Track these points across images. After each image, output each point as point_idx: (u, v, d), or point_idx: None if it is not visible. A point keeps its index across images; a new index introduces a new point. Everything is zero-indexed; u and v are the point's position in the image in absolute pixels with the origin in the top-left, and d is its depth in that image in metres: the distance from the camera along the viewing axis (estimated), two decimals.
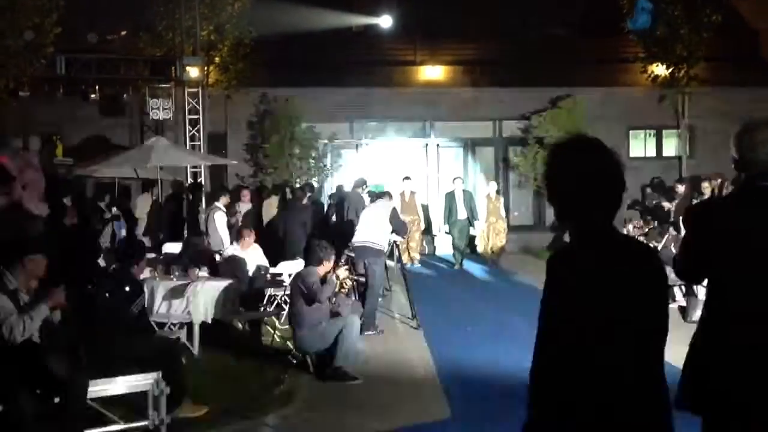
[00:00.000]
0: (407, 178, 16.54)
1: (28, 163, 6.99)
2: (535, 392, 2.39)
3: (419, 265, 15.95)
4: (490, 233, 16.03)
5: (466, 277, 14.90)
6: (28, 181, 6.47)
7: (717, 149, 17.72)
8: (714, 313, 3.21)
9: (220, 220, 11.99)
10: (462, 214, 15.88)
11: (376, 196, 11.62)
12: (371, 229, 10.09)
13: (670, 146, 20.61)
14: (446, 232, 16.25)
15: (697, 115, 18.62)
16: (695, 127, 19.10)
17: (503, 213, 16.46)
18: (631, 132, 20.71)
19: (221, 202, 12.50)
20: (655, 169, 19.09)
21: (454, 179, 16.67)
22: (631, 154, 20.70)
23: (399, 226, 10.59)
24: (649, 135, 20.80)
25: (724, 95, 18.79)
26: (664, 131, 20.43)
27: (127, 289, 6.14)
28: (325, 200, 17.03)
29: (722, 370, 3.07)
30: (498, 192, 16.77)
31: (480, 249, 16.27)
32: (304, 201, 13.15)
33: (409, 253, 15.42)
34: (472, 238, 16.56)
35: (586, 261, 2.39)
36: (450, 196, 16.09)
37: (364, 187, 14.19)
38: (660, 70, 18.37)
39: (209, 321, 8.29)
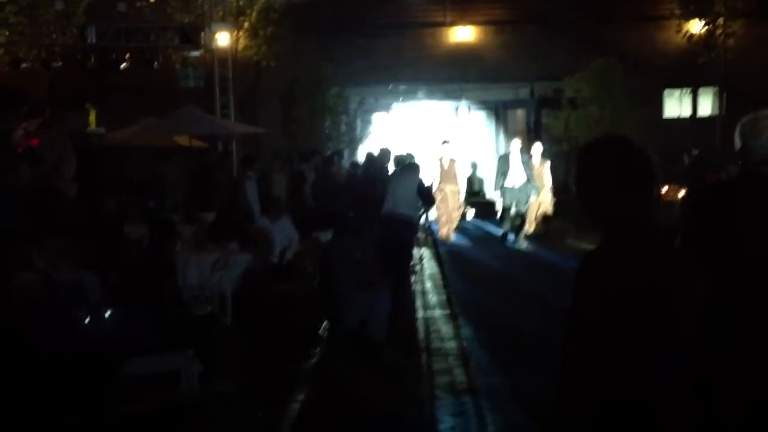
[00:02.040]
0: (446, 142, 14.81)
1: (60, 140, 7.03)
2: (561, 409, 2.35)
3: (461, 241, 14.56)
4: (534, 204, 14.33)
5: (505, 248, 13.66)
6: (60, 159, 6.51)
7: (754, 109, 17.29)
8: (713, 304, 3.16)
9: (250, 189, 12.02)
10: (520, 178, 13.76)
11: (403, 166, 11.51)
12: (399, 200, 10.06)
13: (706, 106, 20.22)
14: (497, 198, 14.39)
15: (734, 74, 18.16)
16: (732, 86, 18.67)
17: (549, 179, 14.60)
18: (666, 91, 20.36)
19: (252, 171, 12.53)
20: (690, 130, 18.75)
21: (512, 141, 14.79)
22: (666, 115, 20.41)
23: (427, 198, 10.51)
24: (685, 94, 20.41)
25: (762, 52, 18.32)
26: (699, 91, 20.02)
27: (159, 267, 6.21)
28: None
29: (721, 367, 3.06)
30: (545, 155, 14.92)
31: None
32: (336, 169, 13.13)
33: (449, 226, 14.35)
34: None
35: (619, 267, 2.31)
36: (504, 159, 14.07)
37: (388, 157, 13.83)
38: (696, 28, 17.94)
39: (241, 293, 8.38)
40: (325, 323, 7.96)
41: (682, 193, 14.02)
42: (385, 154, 13.83)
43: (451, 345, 7.58)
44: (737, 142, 3.32)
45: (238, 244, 9.19)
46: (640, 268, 2.30)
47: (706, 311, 3.11)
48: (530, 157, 14.28)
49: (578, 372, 2.31)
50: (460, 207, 14.89)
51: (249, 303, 8.52)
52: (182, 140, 15.87)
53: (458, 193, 14.62)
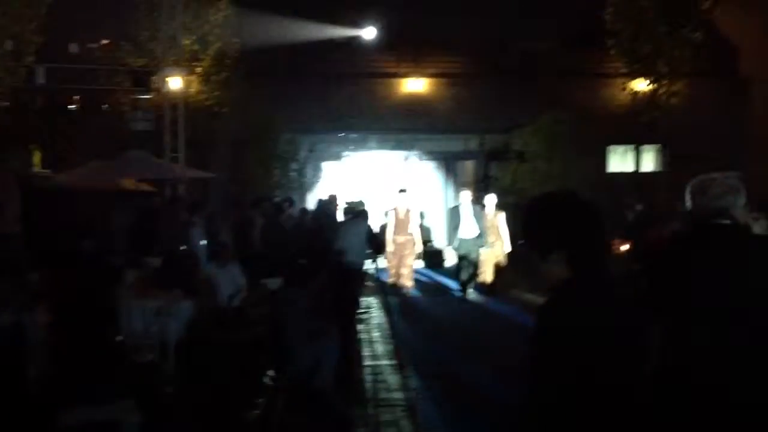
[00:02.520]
0: (403, 191, 14.34)
1: (5, 181, 6.90)
2: None
3: (412, 292, 13.95)
4: (489, 256, 13.85)
5: (463, 305, 13.17)
6: (4, 200, 6.38)
7: (694, 166, 17.85)
8: (674, 356, 3.27)
9: (197, 235, 11.90)
10: (472, 231, 13.41)
11: (353, 213, 11.53)
12: (349, 247, 10.08)
13: (649, 162, 20.76)
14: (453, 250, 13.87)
15: (676, 132, 18.68)
16: (673, 144, 19.20)
17: (504, 232, 14.10)
18: (610, 147, 20.88)
19: (199, 217, 12.42)
20: (633, 186, 19.16)
21: (462, 192, 14.35)
22: (610, 170, 20.90)
23: (376, 247, 10.56)
24: (628, 150, 20.94)
25: (702, 112, 18.97)
26: (642, 147, 20.56)
27: (99, 313, 6.07)
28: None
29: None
30: (497, 207, 14.34)
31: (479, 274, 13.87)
32: (285, 216, 13.08)
33: (399, 279, 13.77)
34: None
35: (583, 317, 2.33)
36: (454, 212, 13.70)
37: (335, 204, 13.79)
38: (641, 86, 18.51)
39: (185, 341, 8.21)
40: (270, 372, 7.84)
41: (625, 247, 14.31)
42: (332, 201, 13.85)
43: (398, 396, 7.53)
44: (687, 202, 3.54)
45: (183, 290, 9.03)
46: (604, 311, 2.35)
47: (665, 355, 3.26)
48: (483, 207, 13.94)
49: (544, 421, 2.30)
50: (414, 258, 14.25)
51: (193, 351, 8.36)
52: (129, 184, 15.65)
53: (413, 244, 13.93)
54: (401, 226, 13.80)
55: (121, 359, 6.11)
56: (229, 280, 9.75)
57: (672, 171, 18.77)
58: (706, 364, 3.18)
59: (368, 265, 10.59)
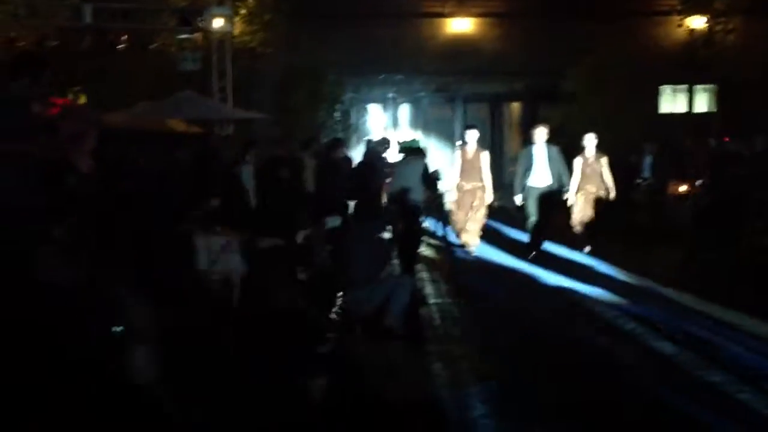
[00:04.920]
0: (472, 127, 12.03)
1: (78, 114, 6.77)
2: None
3: (476, 252, 11.70)
4: (584, 206, 11.57)
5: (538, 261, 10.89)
6: (76, 133, 6.24)
7: (749, 106, 17.40)
8: None
9: (248, 174, 11.80)
10: (545, 179, 11.06)
11: (409, 151, 11.33)
12: (408, 186, 9.94)
13: (702, 102, 20.26)
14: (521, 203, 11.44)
15: (731, 71, 18.12)
16: (727, 83, 18.67)
17: (609, 178, 11.57)
18: (662, 87, 20.37)
19: (250, 156, 12.32)
20: (687, 125, 18.75)
21: (536, 129, 11.43)
22: (662, 110, 20.44)
23: (431, 182, 10.13)
24: (681, 90, 20.44)
25: (758, 50, 18.38)
26: (695, 87, 20.04)
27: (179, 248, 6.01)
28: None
29: None
30: (598, 149, 11.73)
31: (575, 224, 11.71)
32: (339, 156, 12.92)
33: (466, 234, 11.64)
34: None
35: None
36: (527, 154, 11.20)
37: (369, 142, 13.38)
38: (697, 23, 17.97)
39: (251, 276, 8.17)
40: (338, 306, 7.77)
41: (683, 188, 14.01)
42: (383, 143, 13.56)
43: (470, 332, 7.43)
44: None
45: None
46: None
47: None
48: (585, 148, 11.65)
49: None
50: (484, 208, 11.65)
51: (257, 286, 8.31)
52: (176, 125, 15.55)
53: (483, 190, 11.47)
54: (469, 170, 11.51)
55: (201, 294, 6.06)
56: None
57: (726, 110, 18.29)
58: None
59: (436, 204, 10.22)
